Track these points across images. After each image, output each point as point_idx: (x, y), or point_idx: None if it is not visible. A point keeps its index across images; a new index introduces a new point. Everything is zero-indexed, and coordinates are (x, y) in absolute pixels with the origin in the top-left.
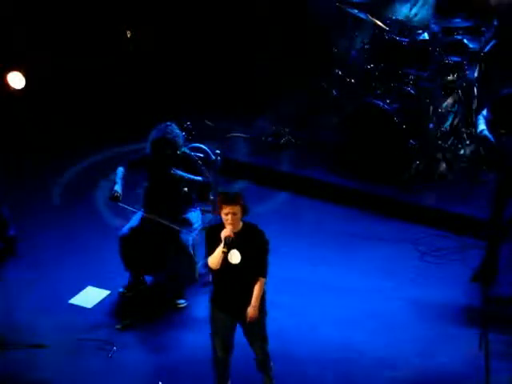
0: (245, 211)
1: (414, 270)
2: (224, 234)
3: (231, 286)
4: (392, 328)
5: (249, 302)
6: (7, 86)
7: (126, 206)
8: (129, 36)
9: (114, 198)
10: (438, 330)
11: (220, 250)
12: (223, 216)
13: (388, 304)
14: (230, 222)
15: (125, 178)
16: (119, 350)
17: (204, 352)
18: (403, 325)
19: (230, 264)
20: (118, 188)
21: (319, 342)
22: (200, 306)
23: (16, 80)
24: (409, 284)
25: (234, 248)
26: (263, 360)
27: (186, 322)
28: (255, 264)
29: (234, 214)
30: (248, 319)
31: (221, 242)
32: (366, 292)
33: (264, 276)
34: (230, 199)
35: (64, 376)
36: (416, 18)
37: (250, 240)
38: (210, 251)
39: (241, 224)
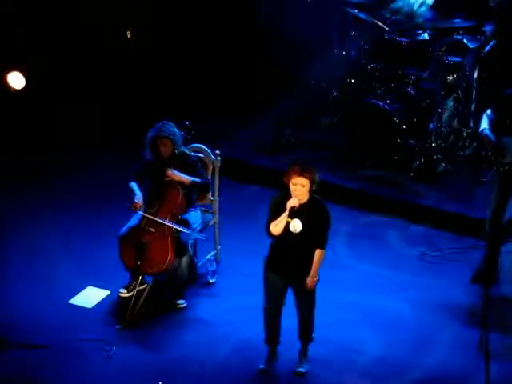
0: (313, 185)
1: (414, 269)
2: (290, 203)
3: (289, 253)
4: (392, 328)
5: (304, 269)
6: (7, 85)
7: (146, 215)
8: (129, 36)
9: (134, 208)
10: (438, 329)
11: (284, 218)
12: (291, 186)
13: (388, 304)
14: (297, 193)
15: (140, 188)
16: (119, 350)
17: (204, 352)
18: (403, 325)
19: (291, 232)
20: (137, 199)
21: (319, 341)
22: (200, 306)
23: (16, 80)
24: (409, 284)
25: (297, 218)
26: (309, 322)
27: (186, 322)
28: (315, 236)
29: (302, 185)
30: (307, 288)
31: (284, 210)
32: (367, 292)
33: (324, 248)
34: (301, 171)
35: (64, 376)
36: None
37: (313, 213)
38: (272, 217)
39: (307, 197)
